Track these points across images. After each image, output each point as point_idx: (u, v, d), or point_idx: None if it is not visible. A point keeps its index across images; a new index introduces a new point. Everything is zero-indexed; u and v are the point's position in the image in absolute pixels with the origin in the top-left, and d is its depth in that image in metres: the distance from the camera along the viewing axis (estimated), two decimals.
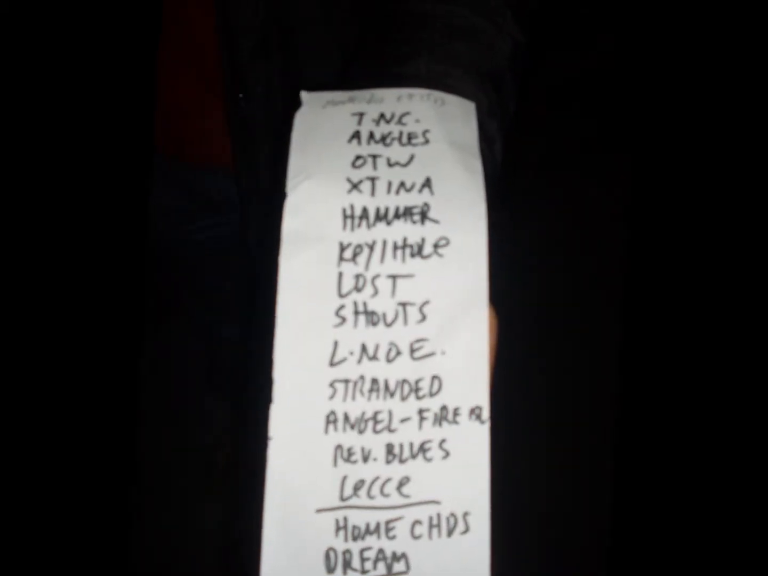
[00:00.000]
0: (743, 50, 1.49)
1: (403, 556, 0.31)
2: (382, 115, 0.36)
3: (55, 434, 0.60)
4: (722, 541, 1.20)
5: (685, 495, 1.25)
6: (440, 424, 0.32)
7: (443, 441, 0.32)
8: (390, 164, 0.34)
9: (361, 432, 0.32)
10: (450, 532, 0.31)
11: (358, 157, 0.34)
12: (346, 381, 0.32)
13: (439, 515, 0.32)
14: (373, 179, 0.34)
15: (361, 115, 0.36)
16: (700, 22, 1.56)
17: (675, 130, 1.57)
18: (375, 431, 0.32)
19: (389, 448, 0.32)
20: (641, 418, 1.37)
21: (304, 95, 0.37)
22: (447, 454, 0.32)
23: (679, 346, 1.38)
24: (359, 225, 0.33)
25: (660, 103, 1.63)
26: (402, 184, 0.34)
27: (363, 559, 0.31)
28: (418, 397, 0.32)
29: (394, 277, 0.32)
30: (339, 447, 0.32)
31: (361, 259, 0.32)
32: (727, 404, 1.29)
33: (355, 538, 0.31)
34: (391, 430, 0.32)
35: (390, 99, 0.37)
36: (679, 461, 1.28)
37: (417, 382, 0.32)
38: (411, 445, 0.32)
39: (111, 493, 0.66)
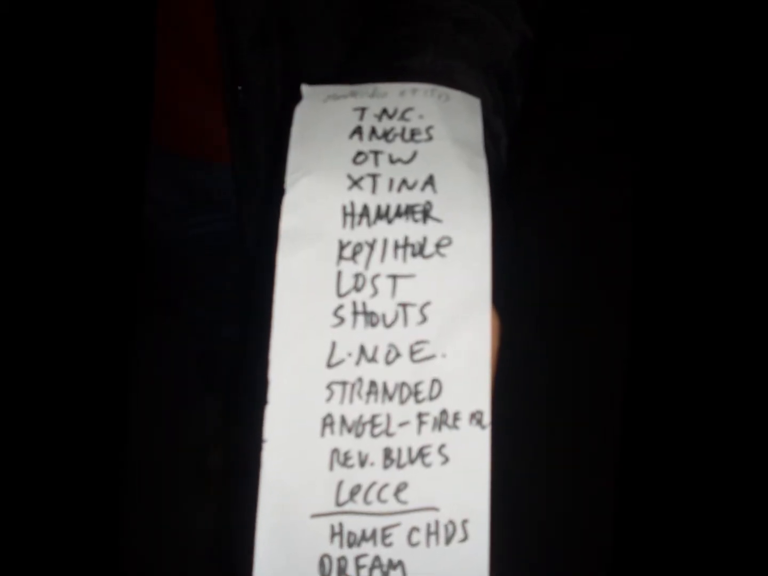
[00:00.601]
0: (751, 51, 1.49)
1: (400, 564, 0.31)
2: (384, 111, 0.36)
3: (41, 432, 0.60)
4: (726, 549, 1.20)
5: (689, 504, 1.25)
6: (440, 429, 0.32)
7: (443, 446, 0.32)
8: (392, 161, 0.34)
9: (358, 436, 0.32)
10: (448, 540, 0.31)
11: (359, 153, 0.34)
12: (344, 383, 0.32)
13: (437, 522, 0.31)
14: (374, 176, 0.34)
15: (363, 109, 0.36)
16: (709, 23, 1.57)
17: (681, 132, 1.57)
18: (373, 435, 0.32)
19: (387, 453, 0.32)
20: (646, 425, 1.37)
21: (305, 89, 0.37)
22: (446, 459, 0.32)
23: (685, 348, 1.38)
24: (359, 223, 0.33)
25: (666, 104, 1.63)
26: (404, 182, 0.34)
27: (358, 567, 0.31)
28: (418, 401, 0.32)
29: (394, 277, 0.32)
30: (335, 451, 0.31)
31: (361, 258, 0.32)
32: (735, 412, 1.29)
33: (350, 545, 0.31)
34: (389, 434, 0.32)
35: (393, 94, 0.37)
36: (684, 469, 1.28)
37: (416, 385, 0.32)
38: (409, 449, 0.32)
39: (100, 493, 0.66)
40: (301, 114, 0.36)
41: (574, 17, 1.64)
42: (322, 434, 0.32)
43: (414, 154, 0.34)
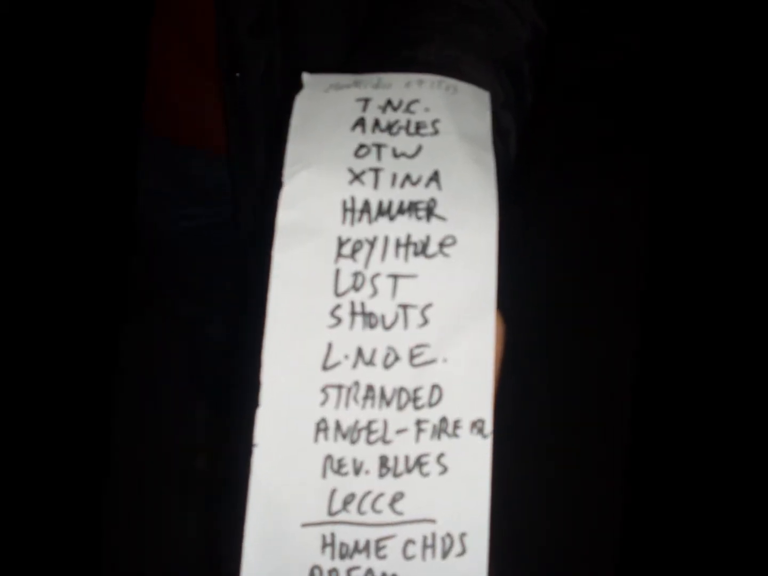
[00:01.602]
0: (759, 46, 1.49)
1: None
2: (389, 102, 0.36)
3: (21, 432, 0.60)
4: (736, 562, 1.20)
5: (699, 520, 1.25)
6: (439, 437, 0.32)
7: (441, 455, 0.32)
8: (395, 155, 0.34)
9: (353, 442, 0.32)
10: (445, 554, 0.31)
11: (361, 146, 0.34)
12: (340, 387, 0.32)
13: (434, 535, 0.31)
14: (376, 170, 0.34)
15: (366, 100, 0.36)
16: (723, 20, 1.57)
17: (697, 131, 1.57)
18: (368, 442, 0.32)
19: (383, 461, 0.32)
20: (656, 435, 1.37)
21: (306, 77, 0.37)
22: (445, 469, 0.32)
23: (698, 357, 1.38)
24: (360, 219, 0.33)
25: (682, 102, 1.63)
26: (407, 177, 0.34)
27: None
28: (417, 407, 0.32)
29: (395, 277, 0.32)
30: (329, 457, 0.32)
31: (361, 256, 0.32)
32: (749, 424, 1.29)
33: (342, 557, 0.31)
34: (385, 442, 0.32)
35: (398, 85, 0.37)
36: (695, 483, 1.28)
37: (416, 390, 0.32)
38: (406, 458, 0.32)
39: (82, 498, 0.66)
40: (301, 104, 0.36)
41: (585, 11, 1.64)
42: (316, 440, 0.32)
43: (419, 149, 0.34)
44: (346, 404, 0.32)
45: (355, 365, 0.32)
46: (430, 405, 0.32)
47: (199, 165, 0.80)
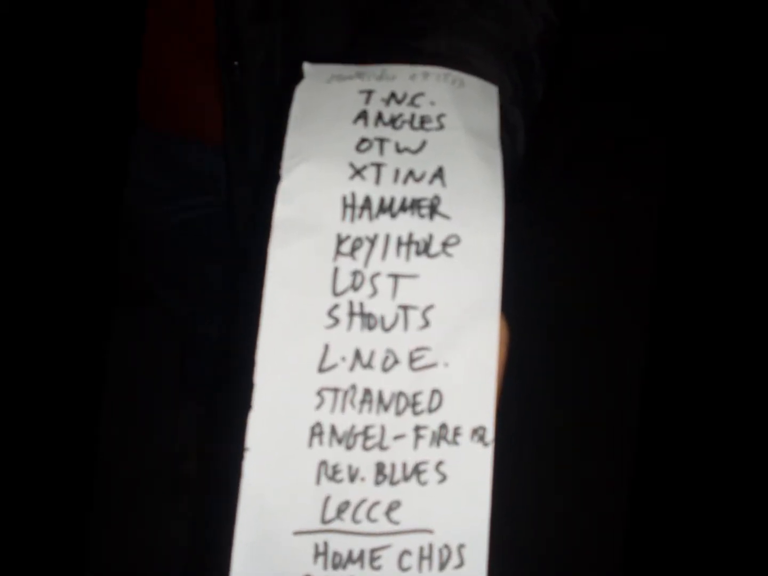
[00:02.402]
0: None
1: None
2: (392, 95, 0.36)
3: (1, 434, 0.60)
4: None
5: (706, 533, 1.25)
6: (438, 444, 0.32)
7: (440, 463, 0.32)
8: (398, 150, 0.34)
9: (349, 448, 0.32)
10: (442, 566, 0.31)
11: (363, 140, 0.34)
12: (336, 390, 0.32)
13: (431, 546, 0.31)
14: (378, 165, 0.34)
15: (369, 93, 0.36)
16: (737, 16, 1.57)
17: (712, 128, 1.57)
18: (365, 448, 0.32)
19: (379, 468, 0.32)
20: (664, 445, 1.37)
21: (307, 67, 0.37)
22: (444, 477, 0.32)
23: (708, 363, 1.38)
24: (360, 216, 0.33)
25: (697, 97, 1.63)
26: (411, 173, 0.34)
27: None
28: (416, 413, 0.32)
29: (395, 277, 0.32)
30: (323, 463, 0.31)
31: (360, 254, 0.32)
32: (761, 436, 1.29)
33: (335, 566, 0.31)
34: (382, 448, 0.32)
35: (403, 77, 0.37)
36: (703, 494, 1.28)
37: (415, 395, 0.32)
38: (404, 465, 0.32)
39: (66, 503, 0.66)
40: (301, 95, 0.36)
41: (597, 6, 1.64)
42: (310, 444, 0.32)
43: (423, 144, 0.34)
44: (342, 408, 0.32)
45: (352, 368, 0.32)
46: (430, 411, 0.32)
47: (193, 155, 0.80)
